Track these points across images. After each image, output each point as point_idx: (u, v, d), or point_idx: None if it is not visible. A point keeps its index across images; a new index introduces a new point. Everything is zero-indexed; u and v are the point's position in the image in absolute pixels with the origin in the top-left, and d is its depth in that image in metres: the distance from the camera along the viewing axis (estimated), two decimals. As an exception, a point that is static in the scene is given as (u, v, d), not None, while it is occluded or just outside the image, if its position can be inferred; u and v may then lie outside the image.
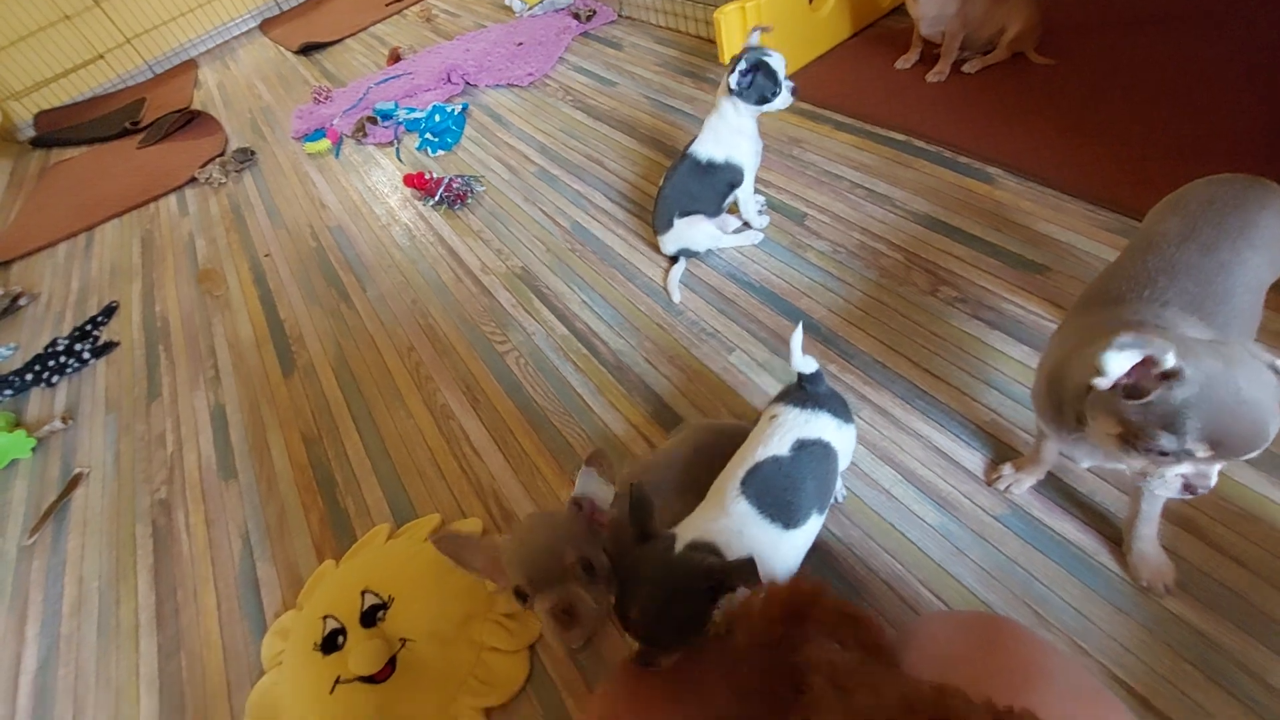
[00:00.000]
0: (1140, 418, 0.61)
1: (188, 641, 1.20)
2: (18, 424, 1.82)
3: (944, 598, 0.92)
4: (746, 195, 1.46)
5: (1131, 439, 0.63)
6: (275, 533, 1.32)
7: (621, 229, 1.69)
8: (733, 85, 1.34)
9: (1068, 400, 0.72)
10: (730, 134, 1.41)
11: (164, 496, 1.49)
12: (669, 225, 1.48)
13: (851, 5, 1.98)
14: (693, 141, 1.46)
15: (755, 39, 1.36)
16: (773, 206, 1.57)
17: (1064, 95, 1.56)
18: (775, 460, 0.84)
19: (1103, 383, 0.62)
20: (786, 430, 0.86)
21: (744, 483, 0.82)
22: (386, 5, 3.79)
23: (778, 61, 1.33)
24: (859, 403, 1.15)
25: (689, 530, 0.77)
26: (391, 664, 0.98)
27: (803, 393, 0.91)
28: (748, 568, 0.67)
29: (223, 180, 2.67)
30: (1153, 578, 0.87)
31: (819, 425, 0.87)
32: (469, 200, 1.99)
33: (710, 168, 1.43)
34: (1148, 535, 0.86)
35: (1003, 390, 1.11)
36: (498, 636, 1.00)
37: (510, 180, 2.02)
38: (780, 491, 0.81)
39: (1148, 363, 0.59)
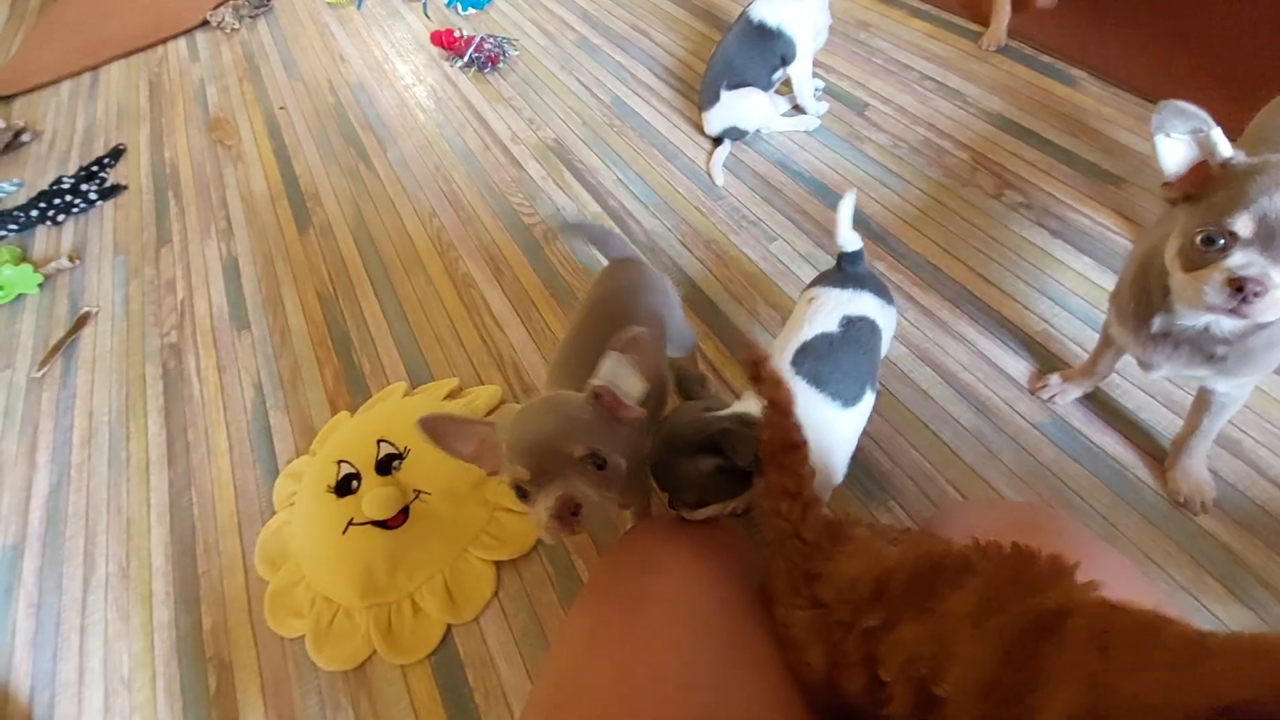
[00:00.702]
0: (1204, 215, 0.58)
1: (198, 479, 1.20)
2: (23, 259, 1.77)
3: (970, 497, 0.90)
4: (800, 76, 1.34)
5: (1191, 247, 0.59)
6: (288, 384, 1.30)
7: (665, 106, 1.57)
8: None
9: (1154, 278, 0.66)
10: (779, 5, 1.28)
11: (174, 341, 1.46)
12: (715, 98, 1.36)
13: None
14: (752, 1, 1.33)
15: None
16: (832, 93, 1.45)
17: (1190, 19, 1.41)
18: (825, 337, 0.79)
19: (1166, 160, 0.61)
20: (831, 308, 0.82)
21: (795, 362, 0.77)
22: None
23: None
24: (905, 303, 1.09)
25: (744, 405, 0.73)
26: (404, 513, 0.97)
27: (842, 273, 0.87)
28: (741, 439, 0.65)
29: (236, 25, 2.50)
30: (1191, 493, 0.84)
31: (862, 303, 0.83)
32: (500, 64, 1.85)
33: (762, 32, 1.30)
34: (1199, 450, 0.83)
35: (1059, 301, 1.04)
36: (511, 498, 0.99)
37: (546, 46, 1.87)
38: (836, 366, 0.77)
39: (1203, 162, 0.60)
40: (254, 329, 1.42)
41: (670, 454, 0.70)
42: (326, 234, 1.58)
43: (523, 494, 0.63)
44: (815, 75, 1.46)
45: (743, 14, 1.33)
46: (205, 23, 2.57)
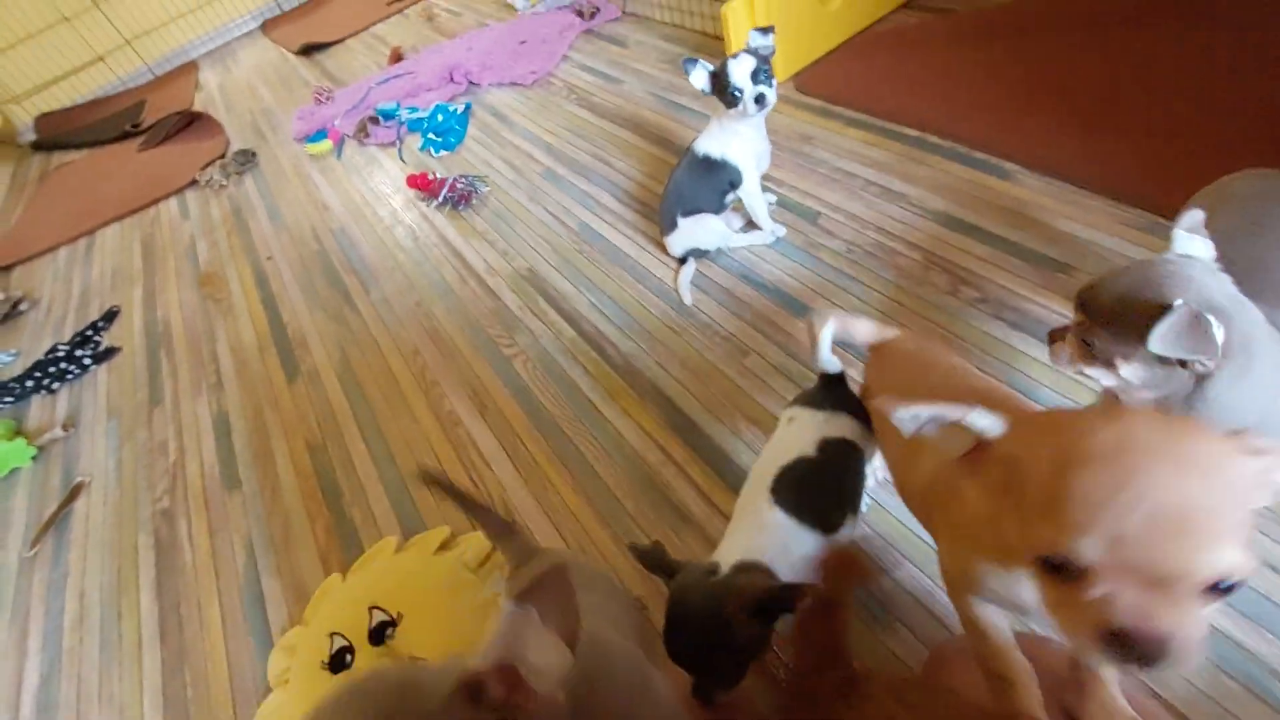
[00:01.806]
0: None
1: (192, 657, 1.18)
2: (18, 432, 1.80)
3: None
4: (750, 197, 1.43)
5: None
6: (280, 544, 1.29)
7: (630, 229, 1.65)
8: (700, 90, 1.31)
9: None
10: (722, 132, 1.37)
11: (166, 506, 1.46)
12: (673, 225, 1.44)
13: (860, 1, 1.94)
14: (697, 137, 1.43)
15: (753, 40, 1.31)
16: (785, 205, 1.54)
17: (1081, 89, 1.52)
18: (802, 461, 0.80)
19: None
20: (808, 430, 0.84)
21: (774, 490, 0.78)
22: (388, 4, 3.76)
23: (739, 64, 1.26)
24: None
25: (730, 554, 0.74)
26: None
27: (821, 394, 0.88)
28: (798, 589, 0.64)
29: (224, 183, 2.65)
30: None
31: (840, 425, 0.84)
32: (473, 201, 1.95)
33: (708, 164, 1.39)
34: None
35: (1028, 392, 1.07)
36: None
37: (515, 180, 1.99)
38: (814, 493, 0.78)
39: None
40: (244, 486, 1.43)
41: (703, 637, 0.66)
42: (314, 381, 1.61)
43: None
44: (767, 190, 1.55)
45: (689, 148, 1.43)
46: (194, 182, 2.73)
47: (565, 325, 1.48)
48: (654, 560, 0.73)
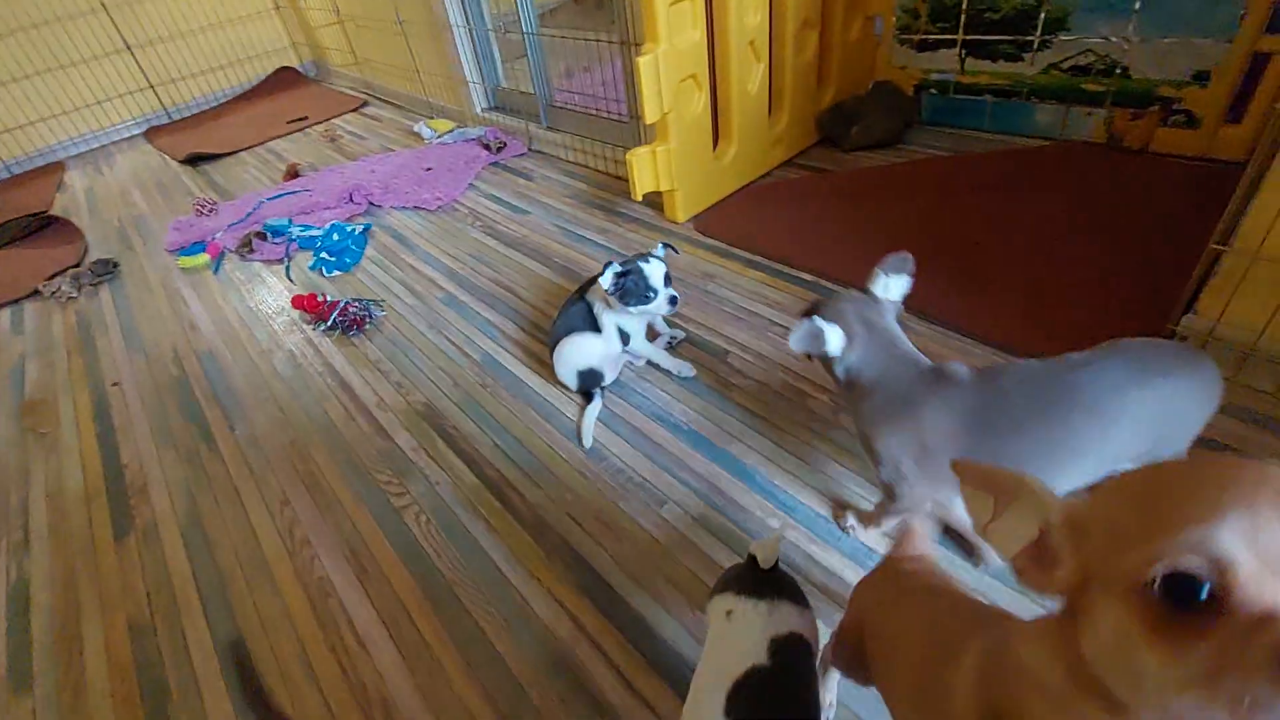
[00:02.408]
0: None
1: None
2: None
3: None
4: (639, 349, 1.45)
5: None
6: (73, 771, 0.99)
7: (535, 362, 1.58)
8: (604, 286, 1.31)
9: None
10: (617, 313, 1.39)
11: (-86, 721, 1.11)
12: (556, 353, 1.42)
13: (750, 155, 2.10)
14: (592, 280, 1.42)
15: (659, 250, 1.39)
16: (694, 343, 1.53)
17: (952, 248, 1.67)
18: (756, 671, 0.69)
19: None
20: (754, 628, 0.73)
21: (729, 714, 0.66)
22: (288, 123, 3.70)
23: (656, 268, 1.31)
24: (809, 566, 1.05)
25: None
26: None
27: (754, 576, 0.79)
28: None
29: (73, 294, 2.35)
30: None
31: (786, 616, 0.74)
32: (367, 326, 1.82)
33: (597, 317, 1.42)
34: None
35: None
36: None
37: (414, 305, 1.89)
38: (776, 713, 0.66)
39: None
40: (37, 688, 1.12)
41: None
42: (150, 538, 1.35)
43: None
44: (675, 327, 1.55)
45: (584, 298, 1.43)
46: (37, 292, 2.40)
47: (466, 470, 1.34)
48: None
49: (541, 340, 1.64)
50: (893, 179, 2.03)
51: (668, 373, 1.45)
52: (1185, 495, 0.31)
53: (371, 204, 2.49)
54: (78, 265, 2.55)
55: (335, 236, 2.23)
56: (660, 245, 1.40)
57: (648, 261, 1.32)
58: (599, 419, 1.38)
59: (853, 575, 1.03)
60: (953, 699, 0.52)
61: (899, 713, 0.64)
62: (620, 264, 1.30)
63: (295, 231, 2.32)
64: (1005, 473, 0.40)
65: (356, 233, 2.26)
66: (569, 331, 1.40)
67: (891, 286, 0.94)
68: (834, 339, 0.90)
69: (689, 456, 1.27)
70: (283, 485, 1.40)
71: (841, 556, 1.06)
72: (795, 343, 0.90)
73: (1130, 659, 0.32)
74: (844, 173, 2.10)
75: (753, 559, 0.79)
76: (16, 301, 2.41)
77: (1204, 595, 0.29)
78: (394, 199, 2.47)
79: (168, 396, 1.75)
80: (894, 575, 0.75)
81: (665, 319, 1.54)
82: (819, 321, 0.90)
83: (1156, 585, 0.30)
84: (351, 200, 2.50)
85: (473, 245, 2.11)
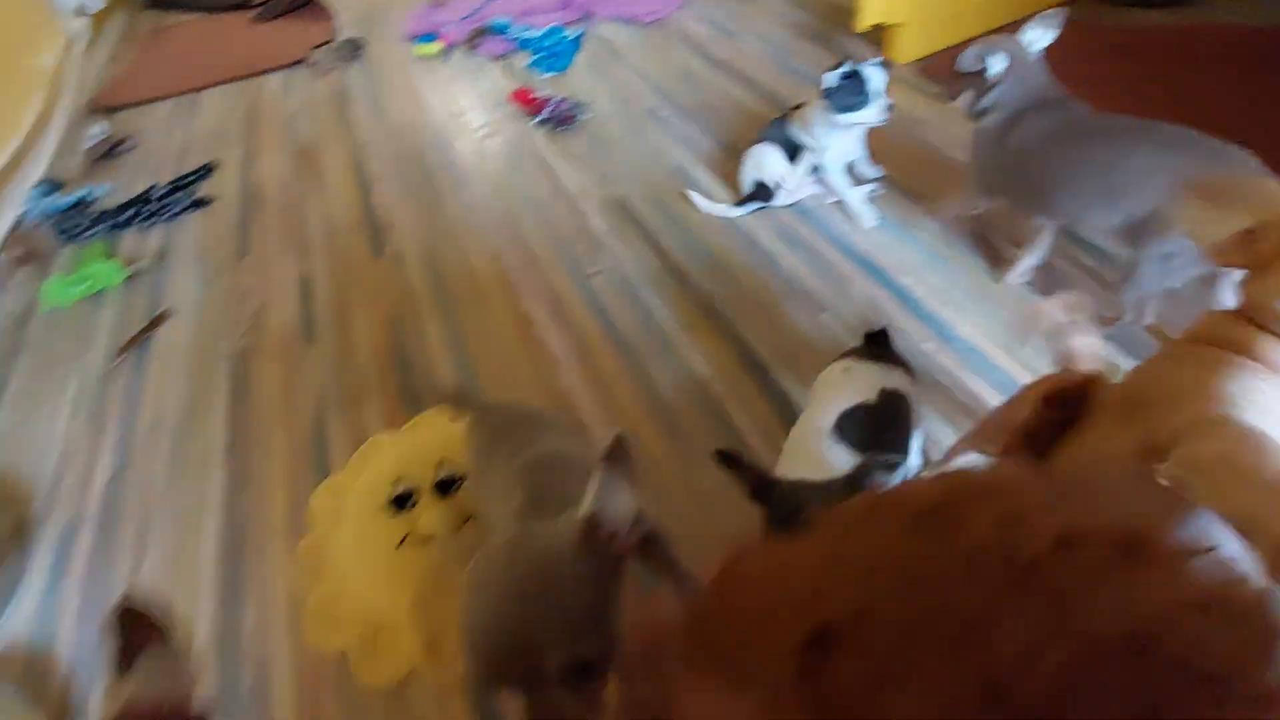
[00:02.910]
0: None
1: (255, 480, 1.25)
2: (111, 256, 1.90)
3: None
4: (832, 180, 1.47)
5: None
6: (349, 399, 1.36)
7: (724, 178, 1.67)
8: (824, 84, 1.32)
9: None
10: (815, 123, 1.41)
11: (244, 347, 1.54)
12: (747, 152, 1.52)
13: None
14: (796, 108, 1.48)
15: (875, 61, 1.34)
16: (888, 180, 1.54)
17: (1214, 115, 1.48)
18: (864, 406, 0.84)
19: None
20: (868, 380, 0.88)
21: (838, 429, 0.82)
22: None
23: (876, 75, 1.31)
24: (951, 387, 1.14)
25: (790, 470, 0.78)
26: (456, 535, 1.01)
27: (874, 350, 0.94)
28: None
29: (331, 67, 2.70)
30: None
31: (896, 379, 0.89)
32: (574, 124, 1.98)
33: (792, 142, 1.47)
34: None
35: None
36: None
37: (618, 112, 2.01)
38: (877, 438, 0.81)
39: None
40: (321, 344, 1.50)
41: None
42: (398, 261, 1.67)
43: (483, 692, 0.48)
44: (872, 165, 1.56)
45: (784, 120, 1.50)
46: (303, 61, 2.79)
47: (650, 255, 1.51)
48: (743, 468, 0.76)
49: (733, 160, 1.72)
50: (1183, 44, 1.74)
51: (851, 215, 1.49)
52: None
53: (587, 12, 2.57)
54: (331, 42, 2.90)
55: (551, 40, 2.36)
56: (879, 59, 1.37)
57: (869, 68, 1.31)
58: (776, 231, 1.48)
59: (993, 401, 1.10)
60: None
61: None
62: (843, 66, 1.32)
63: (516, 31, 2.48)
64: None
65: (571, 38, 2.37)
66: (760, 140, 1.48)
67: (1036, 40, 1.12)
68: (997, 62, 1.10)
69: (856, 277, 1.35)
70: (497, 242, 1.66)
71: (987, 386, 1.13)
72: (963, 62, 1.13)
73: None
74: (1120, 28, 1.83)
75: (870, 336, 0.95)
76: (287, 67, 2.82)
77: None
78: (609, 9, 2.53)
79: (407, 160, 2.05)
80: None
81: (869, 164, 1.55)
82: (987, 47, 1.11)
83: None
84: (567, 7, 2.59)
85: (680, 63, 2.16)
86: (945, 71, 1.79)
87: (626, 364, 1.30)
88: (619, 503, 0.50)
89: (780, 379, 1.21)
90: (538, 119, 2.02)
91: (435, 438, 1.16)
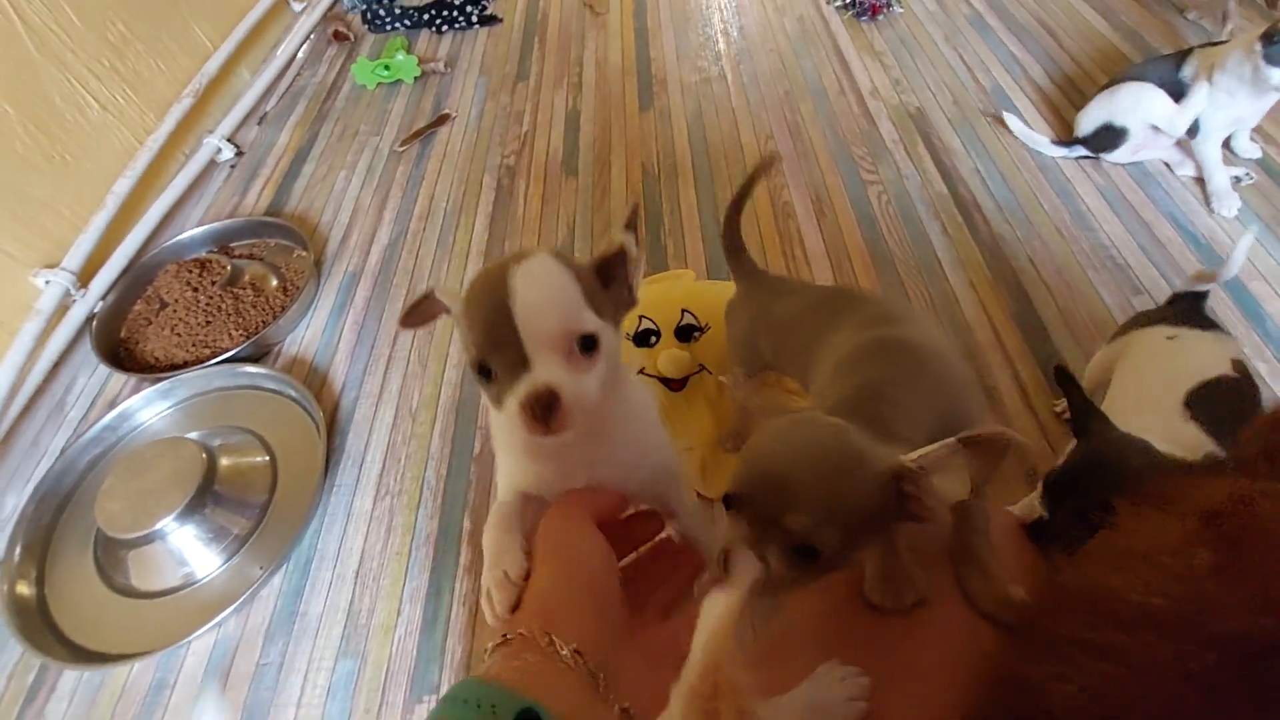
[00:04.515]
0: None
1: (505, 284, 1.35)
2: (409, 52, 2.05)
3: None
4: (1204, 149, 1.20)
5: None
6: (597, 235, 1.40)
7: (1053, 115, 1.44)
8: (1274, 30, 1.04)
9: None
10: (1228, 71, 1.12)
11: (512, 164, 1.63)
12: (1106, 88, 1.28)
13: None
14: (1194, 50, 1.20)
15: None
16: (1265, 166, 1.26)
17: None
18: (1224, 381, 0.72)
19: None
20: (1210, 349, 0.77)
21: (1191, 404, 0.71)
22: None
23: None
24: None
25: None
26: (684, 381, 1.03)
27: (1192, 315, 0.83)
28: None
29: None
30: None
31: (1235, 346, 0.79)
32: (881, 16, 1.79)
33: (1182, 85, 1.19)
34: None
35: None
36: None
37: (935, 13, 1.78)
38: (1236, 418, 0.70)
39: None
40: (580, 178, 1.55)
41: None
42: (664, 118, 1.66)
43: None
44: (1254, 140, 1.27)
45: (1184, 54, 1.21)
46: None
47: (938, 178, 1.37)
48: (1083, 405, 0.67)
49: (1066, 94, 1.48)
50: None
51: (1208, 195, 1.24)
52: None
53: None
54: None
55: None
56: None
57: None
58: (1103, 190, 1.27)
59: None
60: None
61: None
62: None
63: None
64: None
65: (897, -79, 2.10)
66: (1133, 79, 1.24)
67: None
68: None
69: (1187, 261, 1.14)
70: (770, 123, 1.58)
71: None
72: None
73: None
74: None
75: (1181, 298, 0.86)
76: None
77: None
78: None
79: (692, 16, 1.98)
80: None
81: (1250, 138, 1.26)
82: None
83: None
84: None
85: (1023, -30, 1.85)
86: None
87: (883, 282, 1.21)
88: (948, 479, 0.43)
89: (1061, 347, 1.07)
90: (841, 2, 1.85)
91: (680, 289, 1.17)
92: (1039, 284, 1.16)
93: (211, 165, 1.77)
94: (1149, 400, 0.75)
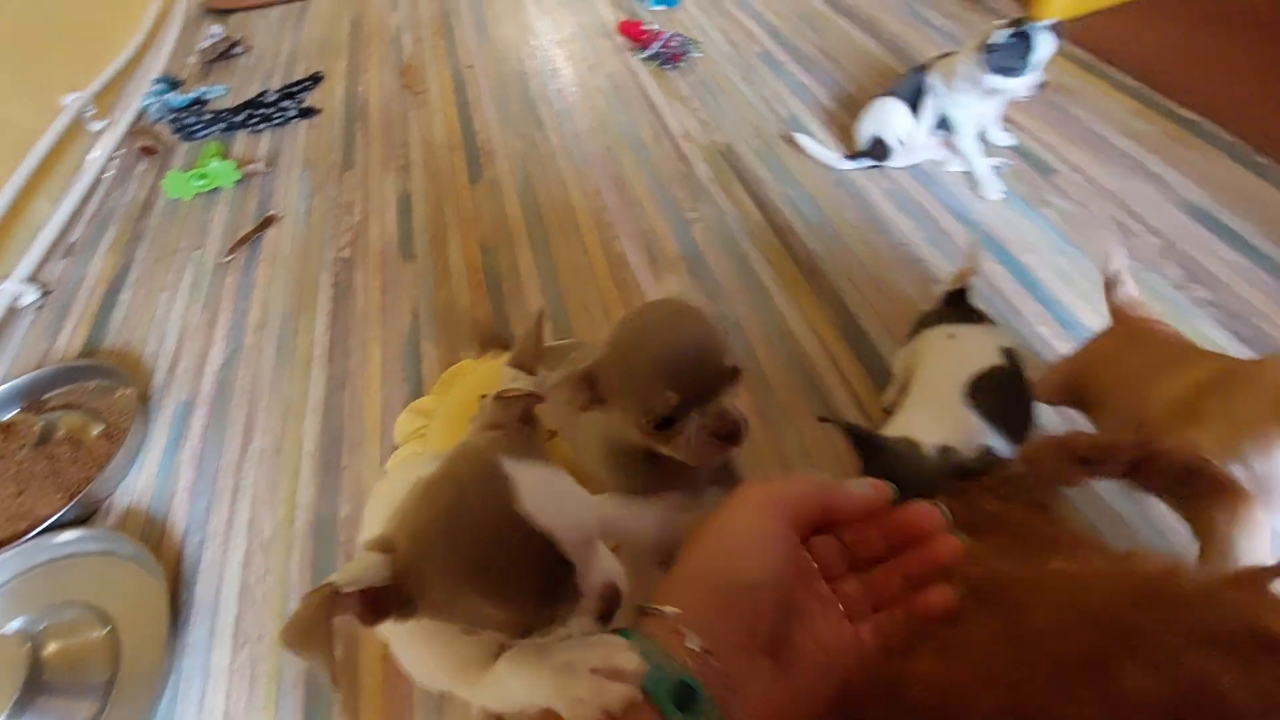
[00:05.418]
0: None
1: (352, 383, 1.31)
2: (225, 156, 1.97)
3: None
4: (962, 144, 1.37)
5: None
6: (442, 317, 1.39)
7: (843, 135, 1.59)
8: (989, 40, 1.21)
9: None
10: (959, 78, 1.30)
11: (347, 256, 1.59)
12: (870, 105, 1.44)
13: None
14: (933, 62, 1.37)
15: (1048, 24, 1.22)
16: (1019, 151, 1.44)
17: None
18: (995, 371, 0.81)
19: None
20: (983, 342, 0.85)
21: (970, 395, 0.79)
22: None
23: (1045, 44, 1.19)
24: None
25: (925, 435, 0.75)
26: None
27: (964, 311, 0.93)
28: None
29: (437, -16, 2.68)
30: None
31: (1003, 335, 0.88)
32: (682, 63, 1.91)
33: (920, 99, 1.37)
34: None
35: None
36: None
37: (730, 54, 1.93)
38: (1013, 406, 0.78)
39: None
40: (419, 260, 1.54)
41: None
42: (495, 189, 1.68)
43: (668, 423, 0.55)
44: (1007, 130, 1.45)
45: (920, 72, 1.39)
46: (412, -25, 2.77)
47: (754, 209, 1.47)
48: (858, 436, 0.75)
49: (851, 114, 1.63)
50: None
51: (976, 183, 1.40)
52: None
53: (703, -53, 2.45)
54: (440, -40, 2.86)
55: (665, -28, 2.26)
56: (1051, 21, 1.23)
57: (1040, 32, 1.20)
58: (891, 195, 1.41)
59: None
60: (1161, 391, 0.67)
61: (1105, 427, 0.80)
62: (1016, 25, 1.22)
63: (629, -40, 2.38)
64: None
65: (685, -27, 2.27)
66: (889, 94, 1.39)
67: None
68: None
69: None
70: (596, 178, 1.64)
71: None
72: None
73: None
74: None
75: (950, 296, 0.96)
76: (394, -18, 2.81)
77: None
78: (727, -55, 2.40)
79: (510, 86, 2.03)
80: (1140, 328, 0.84)
81: (1001, 129, 1.44)
82: None
83: None
84: (685, -61, 2.47)
85: (801, 6, 2.05)
86: (1094, 38, 1.65)
87: (718, 313, 1.28)
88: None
89: (880, 346, 1.17)
90: (645, 54, 1.96)
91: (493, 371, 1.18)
92: (854, 290, 1.26)
93: (11, 313, 1.61)
94: (939, 396, 0.83)
